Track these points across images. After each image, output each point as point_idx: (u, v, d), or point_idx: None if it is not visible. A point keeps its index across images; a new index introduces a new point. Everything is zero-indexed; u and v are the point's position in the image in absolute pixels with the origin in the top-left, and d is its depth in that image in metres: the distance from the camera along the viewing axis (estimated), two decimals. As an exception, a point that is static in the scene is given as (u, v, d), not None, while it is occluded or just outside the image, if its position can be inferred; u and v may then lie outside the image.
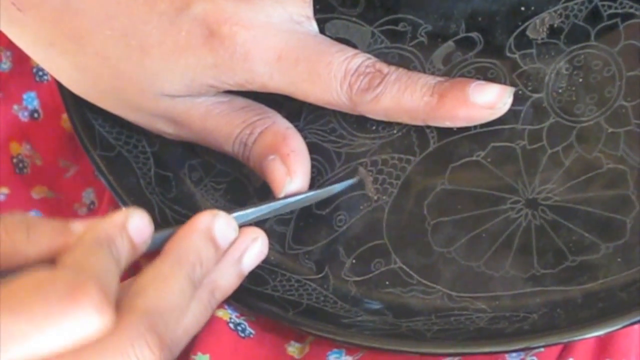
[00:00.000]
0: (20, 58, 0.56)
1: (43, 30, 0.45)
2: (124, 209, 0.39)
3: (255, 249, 0.42)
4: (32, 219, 0.37)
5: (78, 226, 0.38)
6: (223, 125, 0.47)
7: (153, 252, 0.39)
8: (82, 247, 0.36)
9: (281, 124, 0.47)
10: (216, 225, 0.40)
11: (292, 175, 0.45)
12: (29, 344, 0.32)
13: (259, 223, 0.45)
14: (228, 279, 0.42)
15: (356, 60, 0.44)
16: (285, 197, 0.45)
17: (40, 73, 0.56)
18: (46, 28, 0.45)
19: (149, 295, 0.36)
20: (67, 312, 0.32)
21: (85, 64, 0.45)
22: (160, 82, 0.45)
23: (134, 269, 0.42)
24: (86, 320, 0.33)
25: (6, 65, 0.56)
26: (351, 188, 0.46)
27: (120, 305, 0.35)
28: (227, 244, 0.41)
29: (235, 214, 0.42)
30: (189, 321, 0.39)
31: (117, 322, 0.34)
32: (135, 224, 0.38)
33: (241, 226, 0.42)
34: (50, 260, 0.36)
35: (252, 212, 0.44)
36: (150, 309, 0.36)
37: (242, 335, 0.45)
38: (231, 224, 0.41)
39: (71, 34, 0.45)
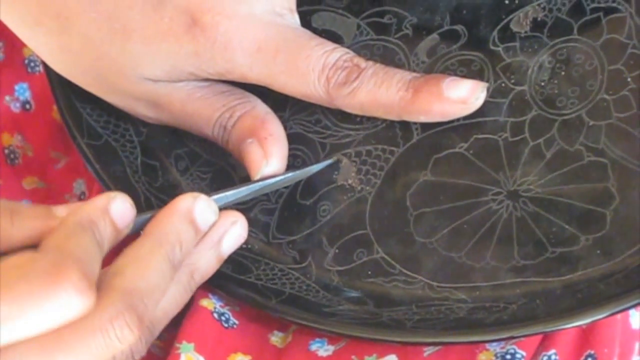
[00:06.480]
0: (13, 49, 0.56)
1: (30, 10, 0.45)
2: (106, 192, 0.40)
3: (234, 232, 0.43)
4: (16, 204, 0.37)
5: (61, 210, 0.38)
6: (203, 108, 0.47)
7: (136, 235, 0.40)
8: (64, 229, 0.36)
9: (261, 109, 0.47)
10: (197, 208, 0.40)
11: (268, 158, 0.45)
12: (11, 326, 0.32)
13: (244, 212, 0.45)
14: (207, 261, 0.42)
15: (334, 54, 0.44)
16: (262, 179, 0.45)
17: (32, 64, 0.56)
18: (33, 8, 0.45)
19: (127, 275, 0.36)
20: (48, 294, 0.33)
21: (70, 45, 0.46)
22: (141, 66, 0.45)
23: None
24: (67, 301, 0.33)
25: (-2, 56, 0.57)
26: (334, 179, 0.47)
27: (99, 286, 0.35)
28: (207, 227, 0.41)
29: (215, 197, 0.42)
30: (168, 303, 0.40)
31: (96, 302, 0.34)
32: (118, 207, 0.38)
33: (222, 209, 0.43)
34: (35, 246, 0.36)
35: (232, 194, 0.44)
36: (129, 289, 0.36)
37: (226, 325, 0.46)
38: (211, 206, 0.41)
39: (57, 15, 0.45)
